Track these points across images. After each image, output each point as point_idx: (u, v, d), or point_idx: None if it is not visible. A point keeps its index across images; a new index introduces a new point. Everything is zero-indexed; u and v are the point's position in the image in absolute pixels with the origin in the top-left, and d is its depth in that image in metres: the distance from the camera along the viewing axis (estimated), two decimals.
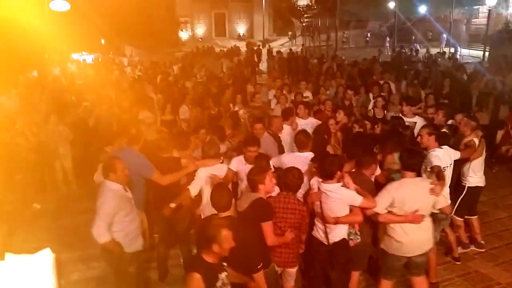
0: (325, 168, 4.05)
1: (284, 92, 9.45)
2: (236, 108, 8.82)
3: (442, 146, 4.94)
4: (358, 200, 3.99)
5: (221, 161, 4.88)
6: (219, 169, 4.75)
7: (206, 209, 4.45)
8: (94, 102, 9.38)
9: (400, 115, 6.68)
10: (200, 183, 4.68)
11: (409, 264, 4.22)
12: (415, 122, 6.38)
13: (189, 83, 12.63)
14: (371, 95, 8.91)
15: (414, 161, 4.11)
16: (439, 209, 4.46)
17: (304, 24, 33.42)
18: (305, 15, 32.44)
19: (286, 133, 6.22)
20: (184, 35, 36.77)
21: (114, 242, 4.07)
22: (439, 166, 4.50)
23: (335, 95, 9.72)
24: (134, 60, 22.99)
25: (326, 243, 4.12)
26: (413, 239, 4.05)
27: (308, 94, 9.83)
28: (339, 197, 4.01)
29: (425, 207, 4.07)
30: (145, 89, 11.34)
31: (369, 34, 30.86)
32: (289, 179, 4.09)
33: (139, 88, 11.49)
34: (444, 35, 25.24)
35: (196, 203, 4.84)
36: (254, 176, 3.93)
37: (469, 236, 5.74)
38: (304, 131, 5.29)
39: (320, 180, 4.15)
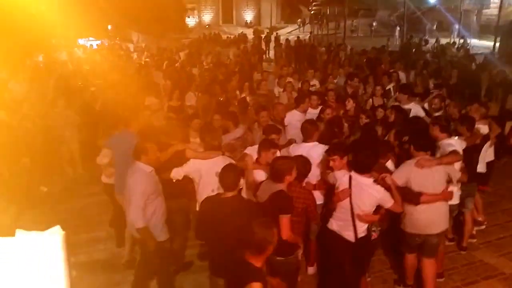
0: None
1: (291, 79, 9.39)
2: (244, 96, 8.78)
3: (452, 137, 4.92)
4: (389, 203, 3.96)
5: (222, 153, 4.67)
6: (218, 162, 4.31)
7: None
8: (101, 87, 9.38)
9: (396, 102, 6.80)
10: (187, 171, 4.52)
11: (424, 244, 4.32)
12: (410, 109, 6.46)
13: (196, 70, 12.59)
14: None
15: (426, 141, 4.31)
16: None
17: (312, 12, 33.11)
18: (314, 3, 32.09)
19: (296, 119, 6.18)
20: (191, 21, 36.57)
21: (147, 231, 4.12)
22: (455, 150, 4.46)
23: (344, 84, 9.67)
24: (140, 46, 22.94)
25: (352, 240, 4.01)
26: (427, 216, 4.18)
27: (315, 82, 9.77)
28: (374, 194, 3.94)
29: (439, 184, 4.20)
30: (151, 75, 11.34)
31: (374, 23, 30.46)
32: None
33: (145, 74, 11.49)
34: (455, 25, 24.90)
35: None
36: (283, 166, 3.81)
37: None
38: (310, 120, 5.24)
39: (354, 173, 3.99)
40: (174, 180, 4.56)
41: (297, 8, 37.03)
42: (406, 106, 6.55)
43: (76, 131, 7.95)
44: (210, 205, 3.69)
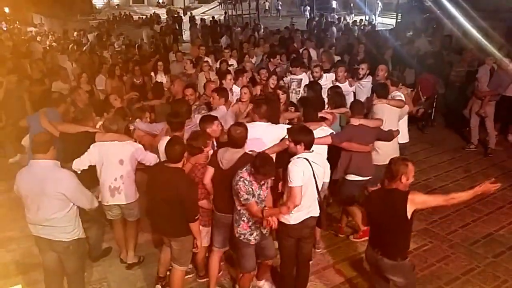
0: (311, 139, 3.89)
1: (208, 59, 9.33)
2: (158, 77, 8.57)
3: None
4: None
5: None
6: (124, 149, 4.43)
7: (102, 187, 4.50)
8: (3, 76, 8.61)
9: (289, 73, 7.62)
10: (90, 158, 4.39)
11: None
12: (301, 79, 7.33)
13: (107, 52, 12.01)
14: None
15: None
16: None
17: None
18: None
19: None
20: (98, 2, 34.54)
21: None
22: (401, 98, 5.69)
23: (260, 62, 9.83)
24: (43, 29, 21.27)
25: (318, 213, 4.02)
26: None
27: (232, 62, 9.79)
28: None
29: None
30: (57, 59, 10.62)
31: (279, 4, 31.23)
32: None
33: (51, 59, 10.74)
34: (360, 4, 26.19)
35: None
36: (241, 133, 3.95)
37: None
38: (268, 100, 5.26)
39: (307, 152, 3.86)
40: (79, 172, 4.26)
41: None
42: (298, 77, 7.38)
43: None
44: (156, 170, 3.96)
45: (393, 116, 5.46)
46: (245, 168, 3.68)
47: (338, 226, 5.47)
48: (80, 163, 4.32)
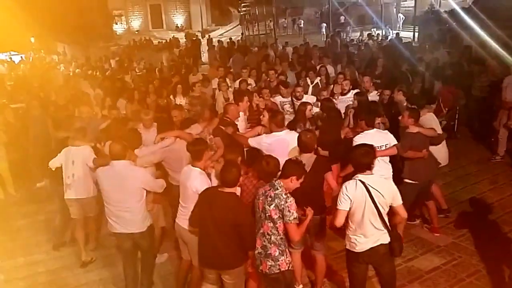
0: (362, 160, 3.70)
1: (227, 80, 9.45)
2: (177, 100, 8.70)
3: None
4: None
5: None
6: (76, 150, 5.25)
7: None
8: (28, 103, 8.91)
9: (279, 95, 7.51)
10: (60, 159, 5.33)
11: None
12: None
13: (128, 77, 12.30)
14: (308, 80, 9.12)
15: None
16: None
17: (241, 13, 33.39)
18: (242, 4, 32.37)
19: (240, 119, 6.31)
20: (119, 28, 35.57)
21: None
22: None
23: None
24: (66, 57, 21.97)
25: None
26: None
27: (251, 81, 9.89)
28: (390, 184, 4.04)
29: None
30: (80, 85, 10.94)
31: (302, 22, 31.49)
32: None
33: (74, 85, 11.06)
34: (376, 19, 26.19)
35: None
36: (311, 138, 4.33)
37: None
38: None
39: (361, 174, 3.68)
40: (53, 169, 5.36)
41: (227, 10, 37.18)
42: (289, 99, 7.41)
43: (4, 150, 7.49)
44: (208, 195, 3.77)
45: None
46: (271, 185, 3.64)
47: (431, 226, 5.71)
48: (53, 163, 5.36)
